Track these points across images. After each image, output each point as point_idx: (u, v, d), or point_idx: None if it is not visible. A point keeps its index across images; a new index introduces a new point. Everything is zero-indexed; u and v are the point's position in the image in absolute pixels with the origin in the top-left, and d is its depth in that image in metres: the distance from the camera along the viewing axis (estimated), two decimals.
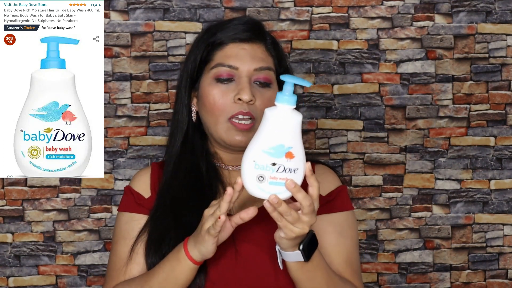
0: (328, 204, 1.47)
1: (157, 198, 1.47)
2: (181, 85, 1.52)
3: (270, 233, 1.39)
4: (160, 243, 1.39)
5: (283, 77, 1.23)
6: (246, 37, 1.46)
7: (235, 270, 1.39)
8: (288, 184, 1.21)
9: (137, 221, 1.46)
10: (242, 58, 1.45)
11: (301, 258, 1.30)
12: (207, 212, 1.28)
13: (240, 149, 1.47)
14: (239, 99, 1.42)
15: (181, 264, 1.32)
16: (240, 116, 1.42)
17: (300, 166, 1.23)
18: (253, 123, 1.43)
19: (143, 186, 1.50)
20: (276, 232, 1.27)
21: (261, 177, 1.22)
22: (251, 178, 1.23)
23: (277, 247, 1.31)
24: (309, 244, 1.30)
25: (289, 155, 1.22)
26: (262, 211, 1.42)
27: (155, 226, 1.43)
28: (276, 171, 1.22)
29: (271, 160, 1.22)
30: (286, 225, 1.23)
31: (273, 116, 1.23)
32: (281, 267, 1.33)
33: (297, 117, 1.24)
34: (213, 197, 1.45)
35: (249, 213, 1.27)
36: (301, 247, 1.29)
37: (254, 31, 1.47)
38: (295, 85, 1.24)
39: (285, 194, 1.23)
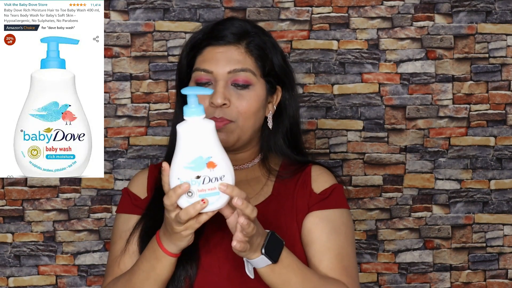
0: (321, 201, 1.47)
1: (153, 194, 1.48)
2: (176, 88, 1.54)
3: (264, 227, 1.41)
4: (153, 232, 1.40)
5: (183, 91, 1.24)
6: (222, 40, 1.46)
7: (227, 259, 1.39)
8: (221, 187, 1.23)
9: (133, 221, 1.48)
10: (217, 62, 1.44)
11: (268, 261, 1.30)
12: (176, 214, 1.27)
13: (226, 149, 1.48)
14: (212, 103, 1.42)
15: (161, 261, 1.33)
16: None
17: (226, 172, 1.24)
18: (228, 121, 1.44)
19: (140, 187, 1.52)
20: (233, 245, 1.28)
21: (190, 192, 1.23)
22: (180, 196, 1.24)
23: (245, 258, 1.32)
24: (272, 245, 1.31)
25: (211, 165, 1.22)
26: (259, 207, 1.43)
27: (150, 216, 1.45)
28: (203, 183, 1.22)
29: (194, 174, 1.22)
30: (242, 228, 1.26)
31: (184, 131, 1.24)
32: (252, 276, 1.33)
33: (209, 125, 1.24)
34: None
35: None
36: (263, 250, 1.30)
37: (233, 34, 1.46)
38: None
39: (218, 203, 1.24)
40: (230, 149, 1.46)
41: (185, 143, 1.23)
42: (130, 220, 1.48)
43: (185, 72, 1.49)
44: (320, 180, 1.50)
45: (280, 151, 1.52)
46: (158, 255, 1.32)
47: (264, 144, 1.53)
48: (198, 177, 1.22)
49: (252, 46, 1.47)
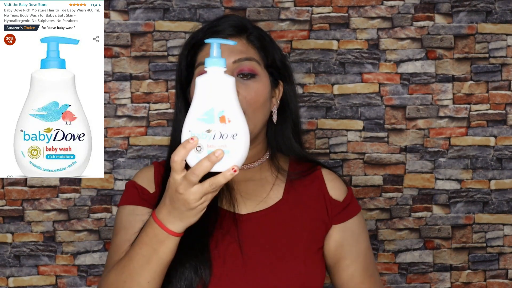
0: (345, 210, 1.47)
1: (160, 196, 1.46)
2: (176, 90, 1.53)
3: (274, 232, 1.39)
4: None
5: (207, 40, 1.20)
6: (225, 33, 1.44)
7: (240, 268, 1.38)
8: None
9: (140, 213, 1.42)
10: (220, 54, 1.44)
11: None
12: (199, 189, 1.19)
13: None
14: None
15: (165, 243, 1.26)
16: None
17: (239, 130, 1.16)
18: None
19: (147, 181, 1.48)
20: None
21: (199, 147, 1.15)
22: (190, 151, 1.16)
23: None
24: None
25: (223, 120, 1.14)
26: (270, 211, 1.42)
27: None
28: (213, 138, 1.14)
29: (206, 127, 1.14)
30: None
31: (202, 82, 1.17)
32: None
33: (229, 80, 1.18)
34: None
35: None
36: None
37: (233, 27, 1.45)
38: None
39: (227, 163, 1.15)
40: None
41: (201, 94, 1.17)
42: (136, 212, 1.43)
43: (185, 71, 1.48)
44: (336, 187, 1.49)
45: (290, 146, 1.50)
46: (161, 238, 1.25)
47: (272, 141, 1.50)
48: (209, 131, 1.14)
49: (252, 38, 1.46)
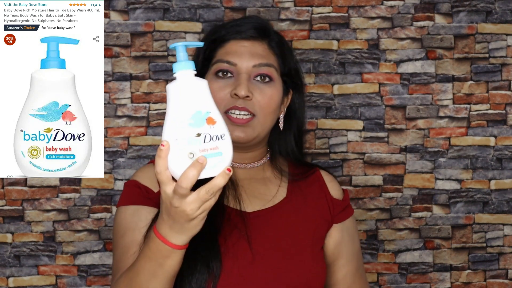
0: (344, 211, 1.50)
1: None
2: None
3: (281, 230, 1.40)
4: None
5: (171, 46, 1.17)
6: (247, 34, 1.46)
7: (249, 264, 1.38)
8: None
9: (146, 212, 1.40)
10: (241, 55, 1.44)
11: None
12: (197, 203, 1.15)
13: (240, 146, 1.46)
14: (236, 94, 1.41)
15: (171, 257, 1.22)
16: (236, 112, 1.41)
17: (225, 131, 1.13)
18: (251, 117, 1.42)
19: (150, 180, 1.45)
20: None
21: (191, 154, 1.10)
22: (180, 160, 1.10)
23: None
24: None
25: (210, 121, 1.11)
26: (275, 209, 1.43)
27: None
28: (204, 142, 1.10)
29: (194, 131, 1.10)
30: None
31: (177, 87, 1.14)
32: None
33: (203, 81, 1.15)
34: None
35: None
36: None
37: (256, 29, 1.47)
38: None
39: (221, 165, 1.11)
40: (245, 145, 1.45)
41: (179, 100, 1.13)
42: (140, 212, 1.40)
43: (201, 65, 1.48)
44: (335, 188, 1.53)
45: (292, 152, 1.52)
46: (166, 253, 1.22)
47: (275, 145, 1.52)
48: (198, 135, 1.10)
49: (274, 44, 1.47)
